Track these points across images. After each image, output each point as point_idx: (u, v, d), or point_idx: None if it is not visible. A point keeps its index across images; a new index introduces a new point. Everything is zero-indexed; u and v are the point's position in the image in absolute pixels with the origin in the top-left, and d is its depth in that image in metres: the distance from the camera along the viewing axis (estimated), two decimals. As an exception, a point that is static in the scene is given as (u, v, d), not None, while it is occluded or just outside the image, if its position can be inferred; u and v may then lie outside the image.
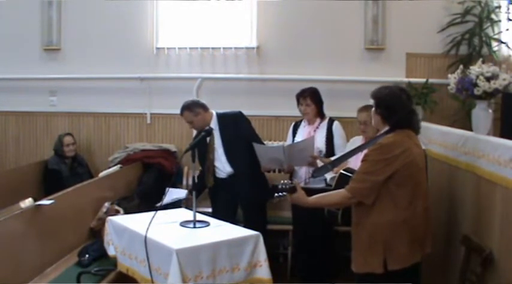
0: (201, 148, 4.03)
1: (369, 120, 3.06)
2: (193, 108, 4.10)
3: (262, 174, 4.35)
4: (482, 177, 2.79)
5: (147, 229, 2.82)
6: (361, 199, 2.60)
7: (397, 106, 2.65)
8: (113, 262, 3.29)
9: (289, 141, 4.28)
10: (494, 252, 2.60)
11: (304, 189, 2.87)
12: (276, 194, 2.78)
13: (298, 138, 4.16)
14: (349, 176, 2.82)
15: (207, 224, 3.12)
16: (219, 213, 3.83)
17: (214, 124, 4.11)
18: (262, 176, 4.34)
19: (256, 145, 4.05)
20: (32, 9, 5.41)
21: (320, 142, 4.03)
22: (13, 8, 5.43)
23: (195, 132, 4.50)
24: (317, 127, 4.11)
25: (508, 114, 3.17)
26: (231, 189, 4.11)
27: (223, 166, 4.12)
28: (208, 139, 4.06)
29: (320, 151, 4.01)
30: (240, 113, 4.23)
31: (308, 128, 4.15)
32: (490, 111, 3.10)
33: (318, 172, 3.32)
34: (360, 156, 3.33)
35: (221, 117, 4.17)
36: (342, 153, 3.83)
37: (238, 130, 4.15)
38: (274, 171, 4.88)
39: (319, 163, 3.82)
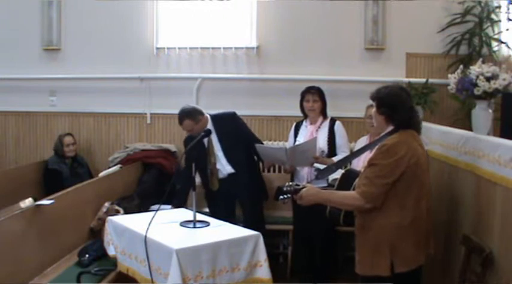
0: (199, 153, 4.00)
1: None
2: (195, 115, 3.96)
3: (260, 174, 4.37)
4: (482, 177, 2.79)
5: (147, 229, 2.83)
6: (373, 203, 2.56)
7: (398, 105, 2.64)
8: (113, 262, 3.30)
9: (290, 141, 4.28)
10: (494, 252, 2.59)
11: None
12: (280, 196, 2.75)
13: (300, 138, 4.16)
14: (352, 177, 2.81)
15: (207, 224, 3.13)
16: (218, 214, 3.74)
17: (210, 127, 4.00)
18: (260, 176, 4.35)
19: (258, 146, 4.05)
20: (32, 9, 5.41)
21: (322, 142, 4.04)
22: (13, 8, 5.43)
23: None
24: (319, 127, 4.11)
25: (508, 114, 3.16)
26: (229, 188, 4.10)
27: (223, 168, 4.10)
28: (206, 143, 4.05)
29: (322, 151, 4.01)
30: (235, 113, 4.18)
31: (310, 128, 4.14)
32: (490, 111, 3.09)
33: (322, 174, 3.30)
34: (363, 156, 3.33)
35: (216, 119, 4.09)
36: (345, 154, 3.85)
37: (236, 130, 4.11)
38: (274, 171, 4.89)
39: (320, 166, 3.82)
